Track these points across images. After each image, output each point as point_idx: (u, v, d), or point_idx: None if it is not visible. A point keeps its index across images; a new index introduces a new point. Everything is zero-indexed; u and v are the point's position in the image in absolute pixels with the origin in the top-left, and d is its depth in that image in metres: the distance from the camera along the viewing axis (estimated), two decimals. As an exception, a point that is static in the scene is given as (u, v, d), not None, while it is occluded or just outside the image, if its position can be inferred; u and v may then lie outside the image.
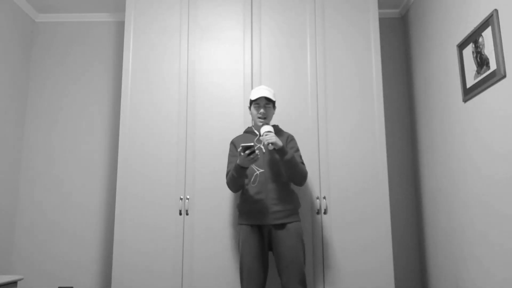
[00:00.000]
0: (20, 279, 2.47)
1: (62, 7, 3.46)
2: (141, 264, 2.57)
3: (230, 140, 2.69)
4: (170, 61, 2.82)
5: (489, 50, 2.15)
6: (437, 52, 2.82)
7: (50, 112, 3.43)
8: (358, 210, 2.61)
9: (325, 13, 2.86)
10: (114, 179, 3.32)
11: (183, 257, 2.57)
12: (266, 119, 2.30)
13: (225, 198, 2.63)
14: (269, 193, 2.19)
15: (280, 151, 2.13)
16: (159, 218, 2.62)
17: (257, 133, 2.35)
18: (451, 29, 2.60)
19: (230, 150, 2.36)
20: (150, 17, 2.88)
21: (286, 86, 2.77)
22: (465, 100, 2.42)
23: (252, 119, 2.37)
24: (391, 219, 3.24)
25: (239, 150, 2.06)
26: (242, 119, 2.72)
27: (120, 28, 3.56)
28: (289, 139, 2.34)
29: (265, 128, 2.15)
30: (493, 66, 2.11)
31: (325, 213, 2.61)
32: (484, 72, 2.19)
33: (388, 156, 3.32)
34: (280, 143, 2.11)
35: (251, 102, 2.33)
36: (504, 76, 2.02)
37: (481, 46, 2.23)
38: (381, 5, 3.46)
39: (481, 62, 2.23)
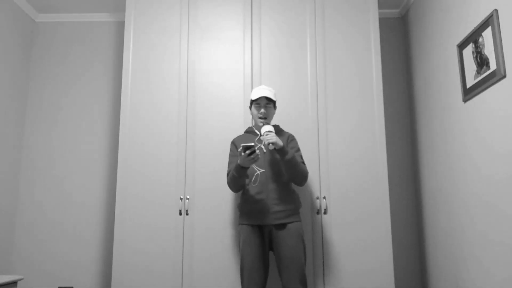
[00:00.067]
0: (20, 279, 2.47)
1: (62, 7, 3.46)
2: (141, 264, 2.57)
3: (230, 140, 2.69)
4: (170, 61, 2.82)
5: (489, 50, 2.15)
6: (437, 52, 2.82)
7: (50, 112, 3.43)
8: (358, 210, 2.61)
9: (325, 13, 2.86)
10: (114, 179, 3.32)
11: (183, 257, 2.57)
12: (266, 119, 2.30)
13: (225, 198, 2.63)
14: (270, 193, 2.19)
15: (281, 151, 2.13)
16: (159, 218, 2.62)
17: (258, 133, 2.35)
18: (451, 29, 2.60)
19: (231, 150, 2.36)
20: (150, 17, 2.88)
21: (286, 86, 2.77)
22: (465, 100, 2.42)
23: (253, 119, 2.37)
24: (391, 219, 3.24)
25: (239, 150, 2.06)
26: (242, 119, 2.72)
27: (120, 28, 3.56)
28: (290, 139, 2.34)
29: (265, 128, 2.15)
30: (493, 66, 2.11)
31: (325, 213, 2.61)
32: (484, 72, 2.19)
33: (388, 156, 3.32)
34: (280, 143, 2.11)
35: (252, 102, 2.33)
36: (504, 76, 2.02)
37: (481, 46, 2.23)
38: (381, 5, 3.46)
39: (481, 62, 2.23)
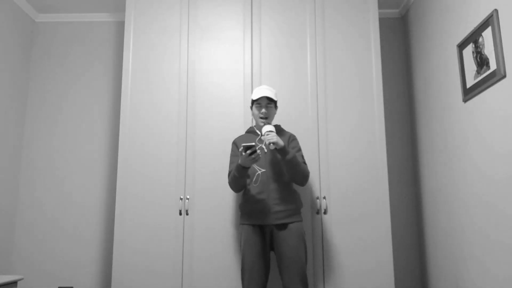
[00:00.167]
0: (20, 279, 2.47)
1: (62, 7, 3.46)
2: (141, 264, 2.57)
3: (230, 140, 2.70)
4: (170, 61, 2.82)
5: (489, 50, 2.15)
6: (437, 52, 2.82)
7: (50, 112, 3.43)
8: (358, 210, 2.61)
9: (325, 13, 2.86)
10: (114, 179, 3.32)
11: (183, 257, 2.57)
12: (267, 118, 2.30)
13: (225, 198, 2.63)
14: (271, 193, 2.19)
15: (282, 151, 2.13)
16: (159, 218, 2.62)
17: (259, 133, 2.35)
18: (451, 29, 2.60)
19: (232, 150, 2.36)
20: (150, 17, 2.88)
21: (286, 86, 2.77)
22: (465, 100, 2.42)
23: (254, 119, 2.37)
24: (391, 219, 3.24)
25: (240, 149, 2.06)
26: (242, 119, 2.72)
27: (120, 28, 3.56)
28: (291, 138, 2.34)
29: (266, 128, 2.15)
30: (493, 66, 2.11)
31: (325, 213, 2.61)
32: (484, 72, 2.19)
33: (388, 156, 3.32)
34: (281, 142, 2.11)
35: (253, 102, 2.33)
36: (504, 76, 2.02)
37: (481, 46, 2.23)
38: (381, 5, 3.46)
39: (481, 62, 2.23)
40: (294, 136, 2.36)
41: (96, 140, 3.38)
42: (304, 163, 2.28)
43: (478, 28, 2.25)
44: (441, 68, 2.75)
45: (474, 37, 2.30)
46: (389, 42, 3.51)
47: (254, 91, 2.34)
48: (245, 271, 2.14)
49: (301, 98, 2.75)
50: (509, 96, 1.99)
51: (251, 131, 2.40)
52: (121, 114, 2.75)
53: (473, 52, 2.32)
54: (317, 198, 2.62)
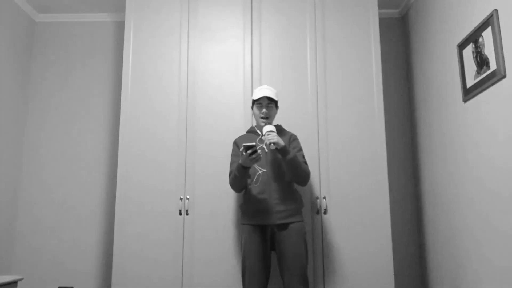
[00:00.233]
0: (20, 279, 2.47)
1: (62, 7, 3.46)
2: (141, 264, 2.57)
3: (230, 140, 2.70)
4: (169, 60, 2.82)
5: (489, 50, 2.15)
6: (437, 52, 2.82)
7: (50, 112, 3.43)
8: (358, 210, 2.61)
9: (325, 13, 2.86)
10: (114, 178, 3.32)
11: (183, 257, 2.57)
12: (268, 118, 2.30)
13: (225, 198, 2.63)
14: (272, 193, 2.19)
15: (282, 150, 2.13)
16: (159, 218, 2.62)
17: (260, 133, 2.35)
18: (451, 29, 2.61)
19: (233, 150, 2.36)
20: (150, 17, 2.88)
21: (287, 86, 2.77)
22: (465, 100, 2.42)
23: (255, 119, 2.37)
24: (391, 219, 3.24)
25: (241, 149, 2.06)
26: (242, 118, 2.72)
27: (120, 28, 3.56)
28: (292, 138, 2.34)
29: (267, 128, 2.15)
30: (493, 66, 2.11)
31: (325, 213, 2.61)
32: (484, 72, 2.20)
33: (388, 156, 3.33)
34: (282, 142, 2.11)
35: (254, 102, 2.33)
36: (504, 76, 2.02)
37: (481, 46, 2.23)
38: (381, 5, 3.46)
39: (481, 62, 2.23)
40: (295, 136, 2.36)
41: (96, 140, 3.38)
42: (305, 163, 2.28)
43: (478, 28, 2.25)
44: (441, 68, 2.75)
45: (474, 37, 2.30)
46: (389, 42, 3.51)
47: (254, 91, 2.34)
48: (246, 271, 2.14)
49: (301, 98, 2.75)
50: (509, 96, 1.99)
51: (252, 131, 2.40)
52: (121, 113, 2.75)
53: (473, 52, 2.32)
54: (317, 198, 2.62)
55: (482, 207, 2.24)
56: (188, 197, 2.63)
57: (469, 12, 2.37)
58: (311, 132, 2.70)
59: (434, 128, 2.87)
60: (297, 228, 2.17)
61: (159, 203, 2.63)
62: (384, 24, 3.54)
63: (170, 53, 2.83)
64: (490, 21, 2.13)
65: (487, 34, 2.16)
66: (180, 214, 2.62)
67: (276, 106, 2.35)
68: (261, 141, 2.31)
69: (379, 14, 3.52)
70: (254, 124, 2.71)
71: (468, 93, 2.37)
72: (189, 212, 2.62)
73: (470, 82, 2.36)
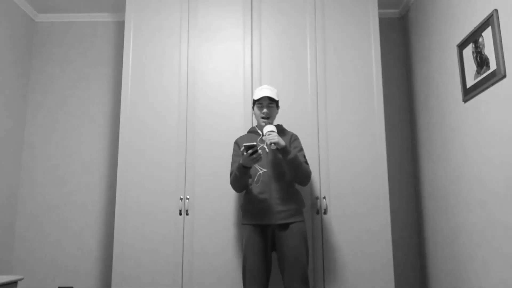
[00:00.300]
0: (20, 279, 2.47)
1: (62, 7, 3.46)
2: (141, 264, 2.57)
3: (230, 140, 2.70)
4: (170, 60, 2.82)
5: (489, 50, 2.15)
6: (437, 52, 2.82)
7: (50, 112, 3.43)
8: (358, 210, 2.61)
9: (325, 13, 2.86)
10: (114, 178, 3.32)
11: (183, 256, 2.57)
12: (269, 118, 2.30)
13: (226, 198, 2.63)
14: (273, 193, 2.19)
15: (283, 150, 2.13)
16: (159, 218, 2.62)
17: (261, 132, 2.35)
18: (451, 29, 2.61)
19: (234, 150, 2.36)
20: (150, 17, 2.88)
21: (286, 86, 2.77)
22: (465, 100, 2.42)
23: (256, 119, 2.38)
24: (391, 219, 3.24)
25: (241, 149, 2.06)
26: (242, 118, 2.72)
27: (120, 28, 3.56)
28: (293, 138, 2.34)
29: (267, 128, 2.15)
30: (493, 66, 2.11)
31: (325, 213, 2.61)
32: (484, 72, 2.20)
33: (388, 156, 3.33)
34: (282, 142, 2.11)
35: (254, 102, 2.33)
36: (504, 76, 2.02)
37: (481, 46, 2.23)
38: (381, 5, 3.46)
39: (481, 62, 2.23)
40: (296, 136, 2.36)
41: (96, 140, 3.38)
42: (306, 163, 2.27)
43: (478, 28, 2.25)
44: (441, 68, 2.75)
45: (474, 37, 2.30)
46: (389, 42, 3.51)
47: (255, 91, 2.34)
48: (247, 271, 2.14)
49: (301, 98, 2.75)
50: (509, 96, 1.99)
51: (253, 131, 2.40)
52: (121, 113, 2.75)
53: (473, 52, 2.32)
54: (317, 198, 2.62)
55: (482, 207, 2.24)
56: (188, 197, 2.63)
57: (469, 12, 2.37)
58: (311, 132, 2.70)
59: (434, 128, 2.87)
60: (298, 228, 2.17)
61: (159, 203, 2.63)
62: (384, 24, 3.54)
63: (170, 53, 2.83)
64: (490, 21, 2.13)
65: (487, 34, 2.16)
66: (180, 214, 2.62)
67: (277, 106, 2.35)
68: (262, 141, 2.31)
69: (379, 14, 3.52)
70: (254, 124, 2.71)
71: (468, 93, 2.37)
72: (189, 212, 2.62)
73: (470, 82, 2.36)
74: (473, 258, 2.34)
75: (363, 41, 2.82)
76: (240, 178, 2.17)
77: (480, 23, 2.22)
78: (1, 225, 3.10)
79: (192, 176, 2.66)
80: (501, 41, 2.05)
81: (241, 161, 2.11)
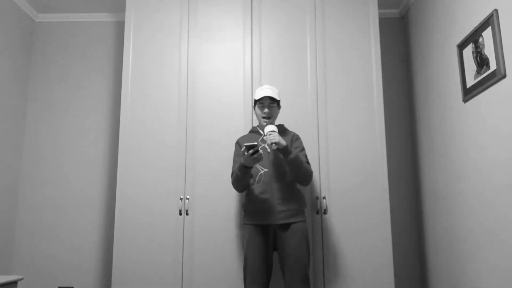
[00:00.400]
0: (20, 279, 2.47)
1: (62, 7, 3.46)
2: (141, 264, 2.57)
3: (230, 140, 2.70)
4: (170, 60, 2.82)
5: (489, 50, 2.15)
6: (437, 52, 2.82)
7: (50, 111, 3.43)
8: (358, 210, 2.61)
9: (325, 13, 2.86)
10: (114, 178, 3.32)
11: (183, 256, 2.57)
12: (270, 118, 2.29)
13: (226, 198, 2.63)
14: (274, 193, 2.19)
15: (284, 150, 2.13)
16: (159, 218, 2.62)
17: (262, 132, 2.35)
18: (451, 29, 2.61)
19: (235, 149, 2.36)
20: (150, 17, 2.88)
21: (286, 86, 2.77)
22: (465, 100, 2.42)
23: (257, 119, 2.38)
24: (391, 219, 3.24)
25: (242, 149, 2.06)
26: (242, 118, 2.72)
27: (120, 28, 3.56)
28: (294, 138, 2.33)
29: (268, 128, 2.15)
30: (493, 66, 2.11)
31: (325, 213, 2.61)
32: (484, 72, 2.20)
33: (388, 156, 3.33)
34: (283, 142, 2.11)
35: (255, 102, 2.32)
36: (504, 76, 2.02)
37: (481, 46, 2.23)
38: (381, 5, 3.46)
39: (481, 62, 2.23)
40: (297, 135, 2.36)
41: (96, 140, 3.38)
42: (308, 163, 2.27)
43: (478, 28, 2.25)
44: (441, 68, 2.75)
45: (474, 37, 2.30)
46: (389, 42, 3.51)
47: (256, 90, 2.33)
48: (248, 271, 2.14)
49: (301, 98, 2.75)
50: (509, 96, 1.99)
51: (254, 131, 2.40)
52: (121, 113, 2.75)
53: (473, 52, 2.32)
54: (317, 198, 2.62)
55: (482, 207, 2.24)
56: (188, 197, 2.63)
57: (469, 12, 2.37)
58: (311, 132, 2.70)
59: (434, 128, 2.88)
60: (299, 228, 2.17)
61: (159, 203, 2.64)
62: (384, 24, 3.54)
63: (170, 53, 2.83)
64: (490, 21, 2.13)
65: (487, 34, 2.16)
66: (180, 214, 2.62)
67: (278, 106, 2.35)
68: (263, 141, 2.31)
69: (379, 14, 3.52)
70: (254, 124, 2.71)
71: (468, 93, 2.37)
72: (189, 212, 2.62)
73: (470, 82, 2.36)
74: (473, 258, 2.34)
75: (363, 41, 2.82)
76: (241, 178, 2.17)
77: (480, 23, 2.22)
78: (1, 225, 3.10)
79: (192, 176, 2.66)
80: (501, 41, 2.05)
81: (242, 161, 2.11)
